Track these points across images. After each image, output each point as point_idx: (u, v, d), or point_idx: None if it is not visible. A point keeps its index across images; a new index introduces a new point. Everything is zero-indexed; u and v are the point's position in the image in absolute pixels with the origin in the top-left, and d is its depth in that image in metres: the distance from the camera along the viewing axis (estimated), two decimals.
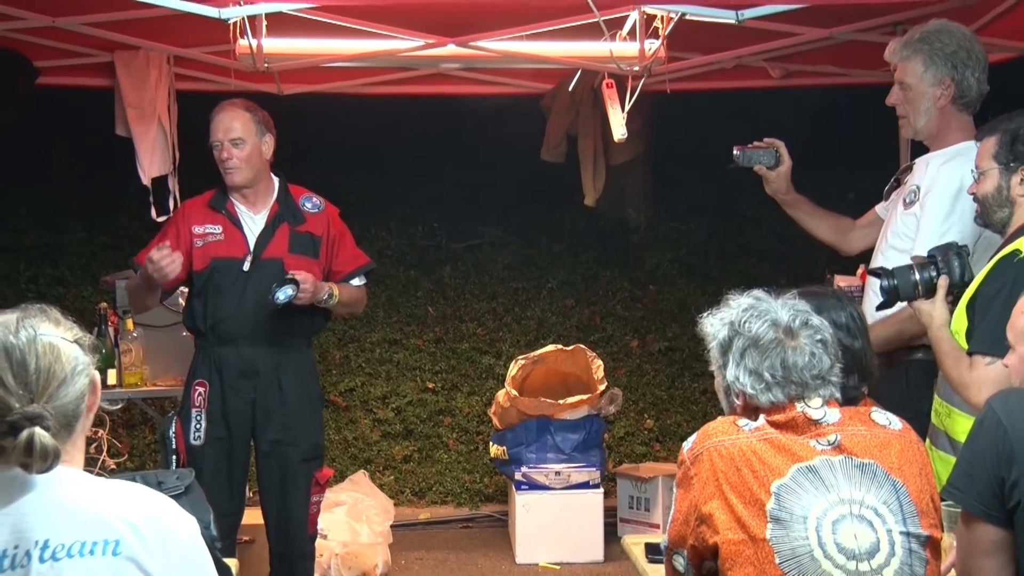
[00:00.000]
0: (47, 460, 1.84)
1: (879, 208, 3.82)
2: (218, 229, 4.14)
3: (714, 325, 2.30)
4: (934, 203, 3.36)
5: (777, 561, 2.08)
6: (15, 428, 1.83)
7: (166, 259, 3.90)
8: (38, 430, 1.83)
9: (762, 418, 2.21)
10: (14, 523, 1.84)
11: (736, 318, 2.26)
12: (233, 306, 4.05)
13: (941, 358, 2.92)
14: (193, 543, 1.94)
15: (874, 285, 3.11)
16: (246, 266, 4.10)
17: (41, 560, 1.81)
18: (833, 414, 2.20)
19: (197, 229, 4.13)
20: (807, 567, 2.08)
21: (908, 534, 2.12)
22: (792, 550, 2.09)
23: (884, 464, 2.15)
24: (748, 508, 2.11)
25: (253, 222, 4.16)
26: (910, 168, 3.68)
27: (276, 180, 4.24)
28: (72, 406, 1.90)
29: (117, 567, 1.83)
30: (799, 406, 2.19)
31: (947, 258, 3.01)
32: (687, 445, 2.23)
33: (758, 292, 2.30)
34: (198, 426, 4.09)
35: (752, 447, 2.16)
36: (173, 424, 4.14)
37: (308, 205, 4.23)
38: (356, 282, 4.29)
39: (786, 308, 2.25)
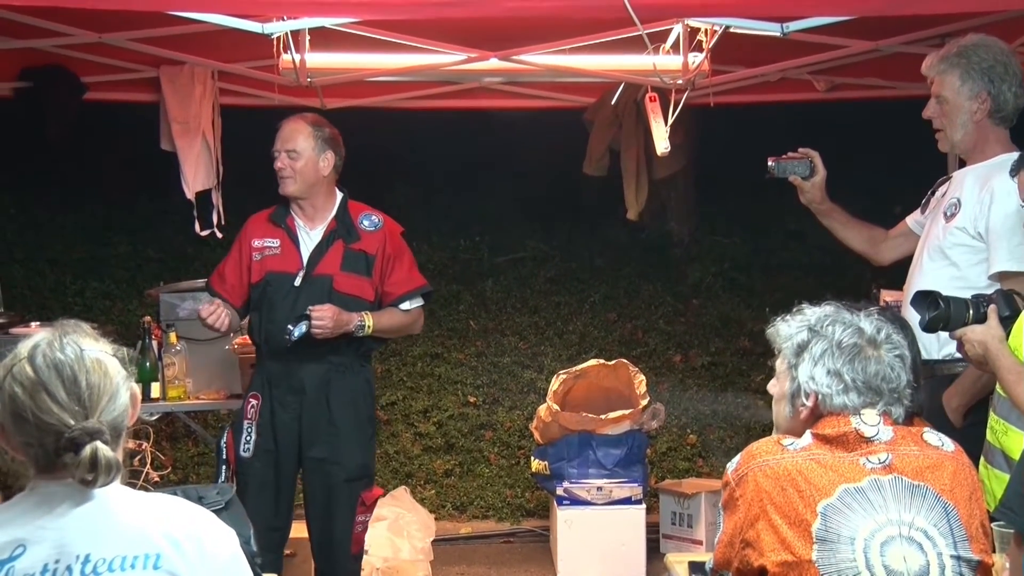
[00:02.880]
0: (111, 474, 1.86)
1: (911, 221, 3.80)
2: (276, 243, 4.17)
3: (791, 327, 2.27)
4: (1000, 221, 3.33)
5: None
6: (76, 444, 1.85)
7: (212, 316, 4.05)
8: (100, 444, 1.85)
9: (808, 436, 2.17)
10: (57, 537, 1.85)
11: (816, 322, 2.24)
12: (283, 320, 4.04)
13: (1002, 375, 2.86)
14: (234, 559, 1.95)
15: (918, 308, 3.06)
16: (297, 281, 4.11)
17: (83, 574, 1.82)
18: (886, 432, 2.16)
19: (256, 243, 4.18)
20: None
21: (959, 558, 2.08)
22: (839, 572, 2.05)
23: (935, 486, 2.11)
24: (793, 529, 2.08)
25: (309, 237, 4.17)
26: (947, 180, 3.65)
27: (339, 196, 4.24)
28: (120, 420, 1.93)
29: None
30: (854, 421, 2.15)
31: (995, 297, 2.96)
32: (731, 466, 2.20)
33: (834, 304, 2.28)
34: (248, 438, 4.11)
35: (798, 466, 2.12)
36: (225, 435, 4.19)
37: (366, 223, 4.21)
38: (406, 305, 4.24)
39: (869, 319, 2.24)
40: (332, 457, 4.11)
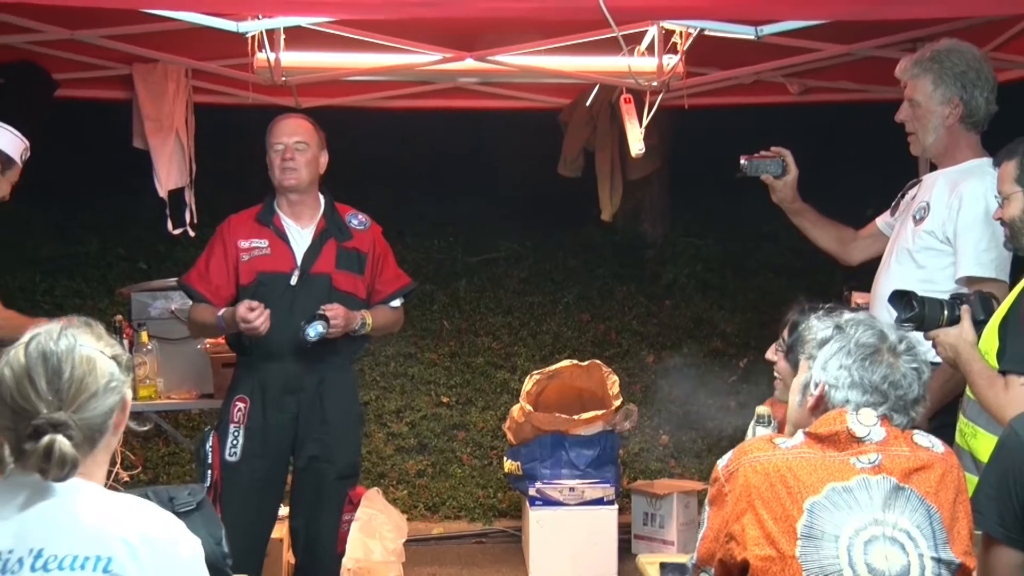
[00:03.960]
0: (64, 468, 1.85)
1: (880, 222, 3.84)
2: (264, 243, 4.10)
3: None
4: (967, 226, 3.37)
5: None
6: (38, 432, 1.85)
7: (259, 318, 3.87)
8: (60, 438, 1.85)
9: (800, 435, 2.20)
10: (16, 528, 1.85)
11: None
12: (280, 320, 3.96)
13: (973, 379, 2.88)
14: (193, 564, 1.94)
15: (896, 306, 3.08)
16: (293, 280, 4.06)
17: (32, 568, 1.83)
18: (879, 432, 2.18)
19: (243, 243, 4.10)
20: None
21: (939, 560, 2.10)
22: (821, 568, 2.07)
23: (921, 488, 2.14)
24: (779, 524, 2.10)
25: (301, 236, 4.13)
26: (917, 183, 3.68)
27: (323, 197, 4.22)
28: (99, 420, 1.92)
29: None
30: (849, 419, 2.18)
31: (972, 300, 2.98)
32: (722, 463, 2.23)
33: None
34: (235, 442, 4.04)
35: (788, 463, 2.15)
36: (210, 439, 4.08)
37: (355, 222, 4.21)
38: (395, 303, 4.26)
39: (896, 330, 2.29)
40: (324, 455, 4.09)
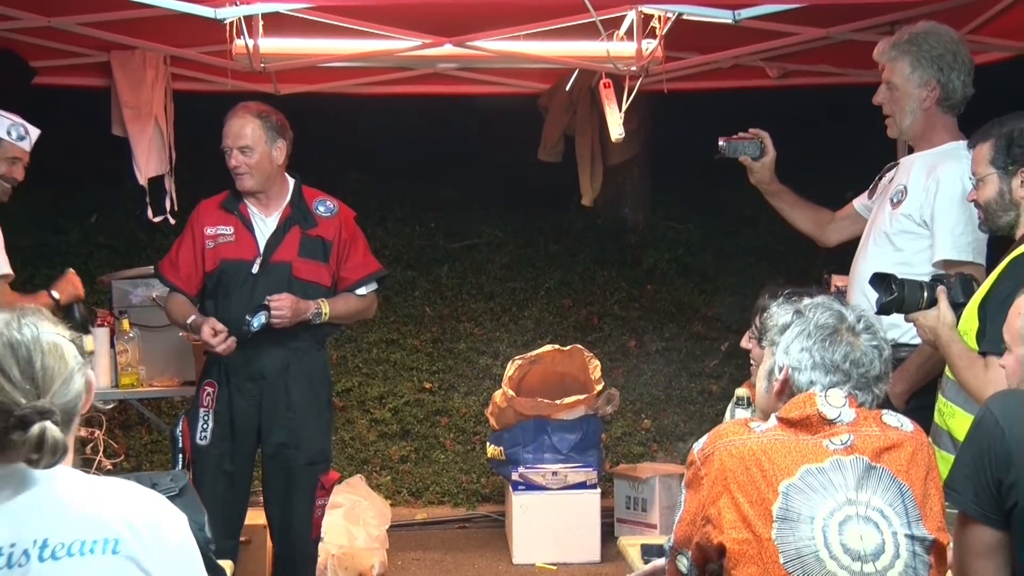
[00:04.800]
0: (56, 455, 1.85)
1: (857, 204, 3.87)
2: (229, 230, 4.11)
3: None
4: (944, 210, 3.39)
5: (781, 561, 2.09)
6: (25, 422, 1.83)
7: (221, 346, 3.98)
8: (49, 425, 1.84)
9: (774, 419, 2.22)
10: (11, 522, 1.84)
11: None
12: (241, 308, 4.00)
13: (953, 360, 2.91)
14: (184, 543, 1.95)
15: (876, 289, 3.10)
16: (255, 268, 4.08)
17: (41, 559, 1.81)
18: (849, 413, 2.20)
19: (209, 230, 4.12)
20: (812, 567, 2.09)
21: (913, 537, 2.12)
22: (797, 550, 2.09)
23: (892, 466, 2.16)
24: (755, 507, 2.12)
25: (265, 224, 4.13)
26: (895, 166, 3.70)
27: (291, 182, 4.20)
28: (73, 404, 1.91)
29: (117, 566, 1.83)
30: (819, 401, 2.20)
31: (952, 281, 3.01)
32: (697, 446, 2.24)
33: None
34: (204, 426, 4.09)
35: (763, 447, 2.17)
36: (181, 423, 4.15)
37: (321, 209, 4.19)
38: (362, 291, 4.25)
39: (854, 311, 2.31)
40: (292, 442, 4.12)
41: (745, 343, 3.23)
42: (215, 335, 3.97)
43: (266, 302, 3.97)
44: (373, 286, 4.30)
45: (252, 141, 4.06)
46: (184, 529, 1.96)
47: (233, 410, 4.11)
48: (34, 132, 4.31)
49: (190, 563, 1.95)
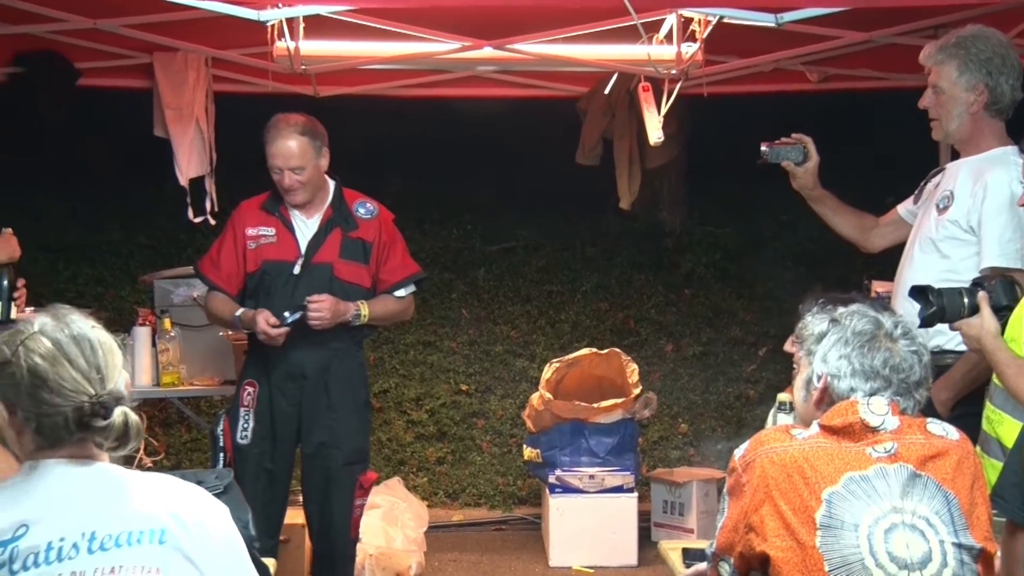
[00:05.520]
0: (138, 438, 1.91)
1: (902, 209, 3.82)
2: (271, 231, 4.15)
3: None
4: (992, 216, 3.35)
5: (827, 569, 2.07)
6: (106, 408, 1.87)
7: (280, 337, 4.00)
8: (127, 409, 1.89)
9: (815, 426, 2.20)
10: (59, 515, 1.86)
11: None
12: (282, 308, 4.04)
13: (1001, 369, 2.87)
14: (229, 537, 1.98)
15: (917, 301, 3.07)
16: (296, 269, 4.12)
17: (90, 551, 1.84)
18: (892, 421, 2.18)
19: (251, 231, 4.16)
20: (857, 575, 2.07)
21: (960, 545, 2.10)
22: (843, 558, 2.08)
23: (937, 475, 2.14)
24: (797, 515, 2.10)
25: (306, 226, 4.17)
26: (940, 171, 3.66)
27: (331, 184, 4.23)
28: (125, 394, 1.95)
29: (164, 556, 1.86)
30: (860, 409, 2.18)
31: (993, 284, 2.98)
32: (739, 453, 2.23)
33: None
34: (245, 425, 4.13)
35: (804, 454, 2.15)
36: (222, 422, 4.19)
37: (361, 211, 4.23)
38: (401, 292, 4.28)
39: (891, 317, 2.28)
40: (331, 441, 4.14)
41: (788, 347, 3.20)
42: (273, 327, 4.00)
43: (305, 303, 4.01)
44: (411, 288, 4.33)
45: (302, 160, 4.07)
46: (228, 522, 1.98)
47: (273, 409, 4.14)
48: None
49: (236, 555, 1.98)
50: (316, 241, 4.15)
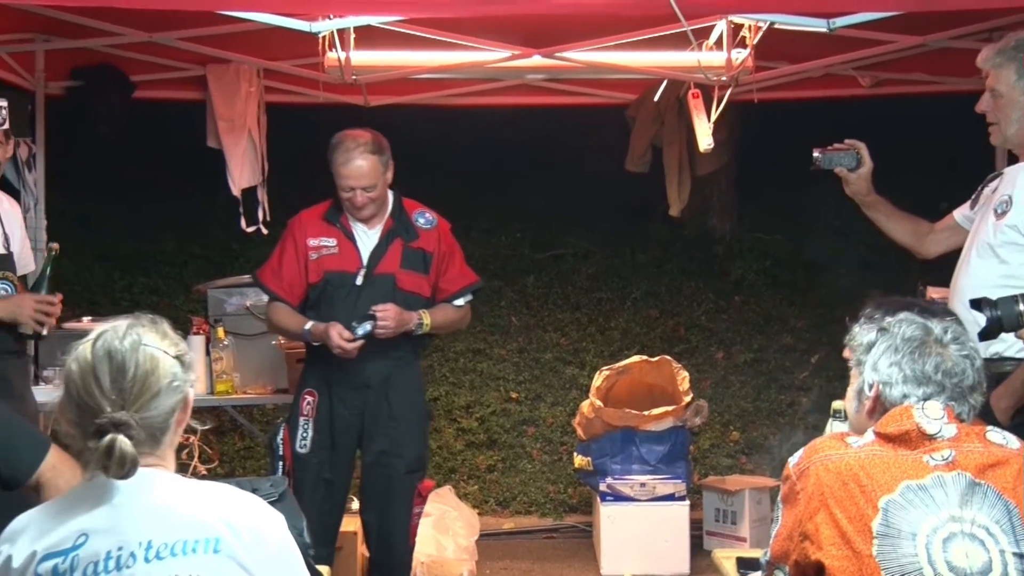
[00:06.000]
0: (124, 467, 1.88)
1: (958, 215, 3.76)
2: (332, 242, 4.15)
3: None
4: None
5: None
6: (100, 431, 1.88)
7: (351, 346, 3.97)
8: (121, 437, 1.88)
9: (870, 433, 2.18)
10: (115, 525, 1.89)
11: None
12: (345, 319, 4.03)
13: None
14: (284, 543, 1.99)
15: (976, 315, 3.03)
16: (359, 280, 4.11)
17: (146, 560, 1.87)
18: (950, 429, 2.16)
19: (312, 242, 4.15)
20: None
21: (1021, 556, 2.07)
22: (900, 567, 2.05)
23: (997, 484, 2.11)
24: (853, 523, 2.08)
25: (367, 236, 4.16)
26: (998, 176, 3.60)
27: (391, 194, 4.23)
28: (160, 420, 1.95)
29: (219, 564, 1.88)
30: (916, 414, 2.15)
31: None
32: (793, 460, 2.21)
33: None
34: (304, 434, 4.13)
35: (860, 462, 2.13)
36: (281, 431, 4.18)
37: (421, 221, 4.23)
38: (459, 302, 4.28)
39: (941, 322, 2.25)
40: (393, 450, 4.15)
41: (847, 353, 3.17)
42: (349, 341, 3.98)
43: (372, 311, 4.00)
44: (469, 297, 4.33)
45: (373, 178, 4.07)
46: (283, 530, 2.00)
47: (334, 419, 4.14)
48: None
49: (290, 563, 1.99)
50: (378, 252, 4.14)
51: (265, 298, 4.32)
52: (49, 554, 1.89)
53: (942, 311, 2.33)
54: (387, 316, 4.00)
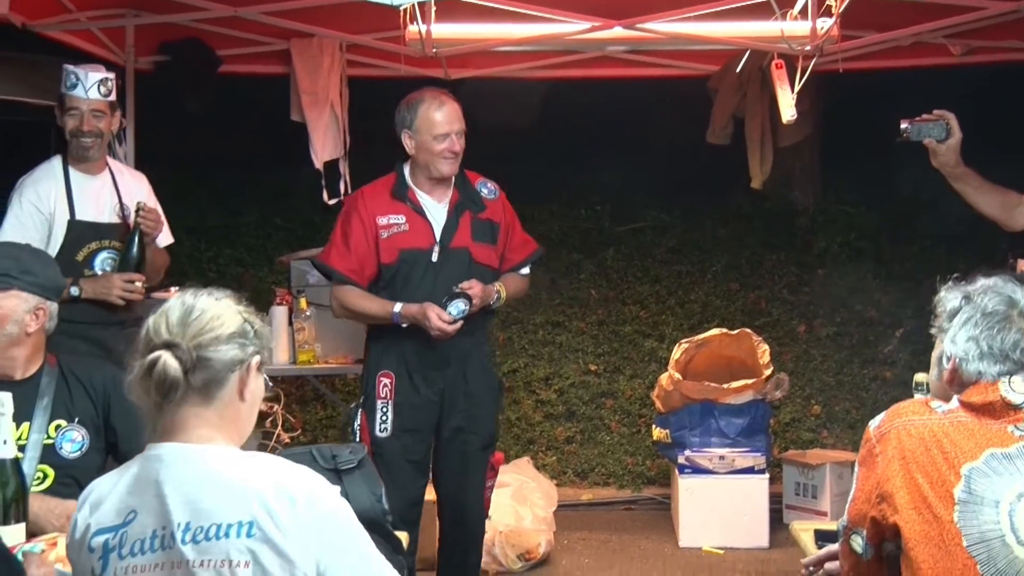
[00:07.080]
0: (164, 386, 1.92)
1: None
2: (402, 219, 4.01)
3: (951, 293, 2.28)
4: None
5: (965, 544, 2.03)
6: (151, 349, 1.95)
7: (452, 328, 3.90)
8: (167, 355, 1.93)
9: (956, 400, 2.16)
10: (159, 504, 1.92)
11: (973, 290, 2.23)
12: (423, 298, 3.93)
13: None
14: (337, 512, 1.96)
15: None
16: (434, 257, 4.01)
17: (183, 542, 1.89)
18: None
19: (381, 220, 4.00)
20: (997, 552, 2.03)
21: None
22: (981, 534, 2.04)
23: None
24: (935, 489, 2.07)
25: (436, 210, 4.05)
26: None
27: None
28: (217, 366, 1.97)
29: (254, 548, 1.88)
30: (1002, 388, 2.13)
31: None
32: (874, 423, 2.20)
33: (1005, 276, 2.25)
34: (384, 418, 4.03)
35: (944, 429, 2.11)
36: (359, 416, 4.08)
37: (485, 191, 4.14)
38: (525, 270, 4.25)
39: None
40: (469, 426, 4.11)
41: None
42: (449, 323, 3.89)
43: (459, 289, 3.91)
44: (531, 265, 4.31)
45: (463, 123, 4.04)
46: (335, 500, 1.98)
47: (414, 400, 4.05)
48: (92, 76, 4.06)
49: (346, 532, 1.96)
50: (450, 226, 4.04)
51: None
52: (101, 529, 1.94)
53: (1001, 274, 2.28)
54: (476, 293, 3.94)
